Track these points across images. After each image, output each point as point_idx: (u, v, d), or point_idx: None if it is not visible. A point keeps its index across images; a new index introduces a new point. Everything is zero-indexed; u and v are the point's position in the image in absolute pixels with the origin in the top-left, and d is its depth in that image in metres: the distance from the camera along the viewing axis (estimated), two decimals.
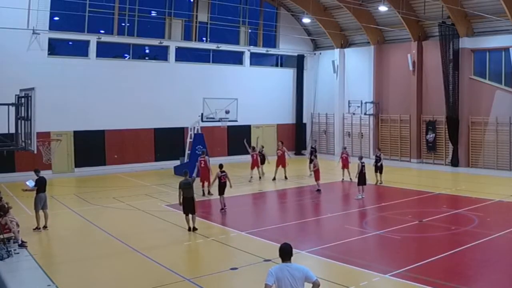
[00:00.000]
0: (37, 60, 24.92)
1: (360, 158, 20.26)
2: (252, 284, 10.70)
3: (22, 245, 12.67)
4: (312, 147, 26.86)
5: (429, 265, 11.13)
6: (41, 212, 14.61)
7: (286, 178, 24.04)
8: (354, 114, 32.69)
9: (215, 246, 13.16)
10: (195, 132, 25.71)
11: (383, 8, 26.81)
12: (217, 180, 17.55)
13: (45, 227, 14.65)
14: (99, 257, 12.39)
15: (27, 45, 24.92)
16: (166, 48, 30.18)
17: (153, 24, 29.97)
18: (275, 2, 34.04)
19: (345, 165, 23.45)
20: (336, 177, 24.29)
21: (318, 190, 20.41)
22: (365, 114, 31.99)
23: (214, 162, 27.13)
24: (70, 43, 27.55)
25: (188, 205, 14.43)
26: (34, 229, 14.38)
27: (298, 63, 35.80)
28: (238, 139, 32.53)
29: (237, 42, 33.16)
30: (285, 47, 35.12)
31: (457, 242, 12.95)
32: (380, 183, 21.95)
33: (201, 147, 25.01)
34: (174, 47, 30.28)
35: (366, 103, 31.75)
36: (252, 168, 24.33)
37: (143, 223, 16.04)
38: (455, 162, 27.63)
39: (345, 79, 34.29)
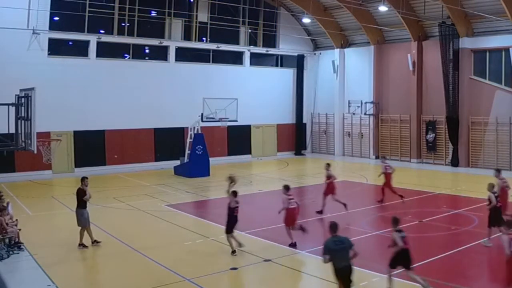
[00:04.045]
0: (37, 60, 24.93)
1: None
2: (252, 284, 10.71)
3: (18, 245, 12.63)
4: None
5: (429, 265, 11.13)
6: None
7: None
8: (354, 114, 32.71)
9: (215, 246, 13.16)
10: (195, 132, 25.72)
11: (383, 8, 26.82)
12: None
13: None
14: (99, 257, 12.40)
15: (27, 45, 24.93)
16: (166, 48, 30.18)
17: (153, 24, 29.97)
18: (275, 2, 34.04)
19: (332, 191, 16.98)
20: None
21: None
22: (365, 114, 32.00)
23: (214, 162, 27.28)
24: (70, 43, 27.57)
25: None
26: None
27: (298, 63, 35.80)
28: (238, 139, 32.71)
29: (237, 42, 33.17)
30: (285, 47, 35.12)
31: (457, 242, 12.96)
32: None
33: (201, 147, 25.06)
34: (174, 47, 30.29)
35: (366, 103, 31.77)
36: None
37: (143, 223, 16.04)
38: (455, 162, 27.64)
39: (345, 79, 34.30)
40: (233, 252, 12.17)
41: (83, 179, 13.33)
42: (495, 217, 12.39)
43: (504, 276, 8.96)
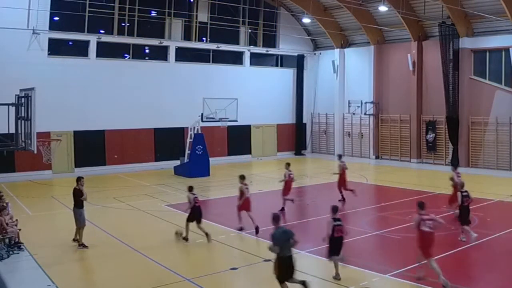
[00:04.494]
0: (37, 60, 24.93)
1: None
2: (252, 284, 10.70)
3: (18, 245, 12.63)
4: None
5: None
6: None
7: None
8: (354, 114, 32.71)
9: (215, 246, 13.16)
10: (195, 132, 25.72)
11: (383, 8, 26.82)
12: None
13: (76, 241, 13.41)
14: (99, 257, 12.39)
15: (27, 45, 24.92)
16: (166, 48, 30.18)
17: (153, 24, 29.97)
18: (275, 2, 34.03)
19: (289, 189, 17.85)
20: (335, 177, 24.21)
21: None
22: (365, 114, 32.00)
23: (214, 162, 27.28)
24: (70, 43, 27.57)
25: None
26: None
27: (298, 63, 35.79)
28: (238, 139, 32.72)
29: (237, 42, 33.16)
30: (285, 47, 35.12)
31: (457, 242, 12.95)
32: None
33: (201, 147, 25.09)
34: (174, 47, 30.28)
35: (366, 103, 31.77)
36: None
37: (143, 223, 16.03)
38: (455, 162, 27.57)
39: (345, 79, 34.29)
40: (186, 239, 13.33)
41: (79, 179, 13.42)
42: (465, 215, 13.11)
43: (417, 249, 10.13)
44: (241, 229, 14.37)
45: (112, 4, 27.91)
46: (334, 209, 10.70)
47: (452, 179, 15.68)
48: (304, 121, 36.42)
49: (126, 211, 17.59)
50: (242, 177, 14.81)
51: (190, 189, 13.85)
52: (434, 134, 29.09)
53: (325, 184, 23.17)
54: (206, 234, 13.20)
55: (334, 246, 10.45)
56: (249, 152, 33.64)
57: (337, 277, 10.44)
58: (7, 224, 12.76)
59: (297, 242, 9.40)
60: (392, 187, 22.10)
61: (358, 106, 31.80)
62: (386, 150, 31.94)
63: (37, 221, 16.11)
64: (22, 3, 23.92)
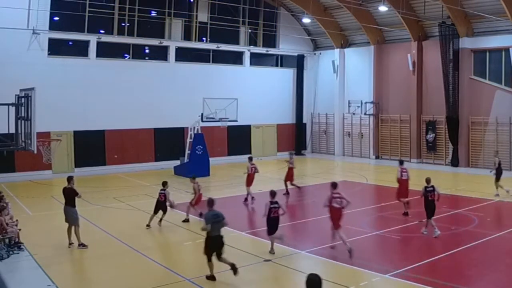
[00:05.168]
0: (37, 60, 24.93)
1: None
2: (252, 284, 10.70)
3: (18, 245, 12.63)
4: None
5: (428, 265, 11.14)
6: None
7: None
8: (354, 114, 32.72)
9: None
10: (195, 132, 25.72)
11: (383, 8, 26.83)
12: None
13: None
14: (99, 257, 12.39)
15: (27, 45, 24.93)
16: (166, 48, 30.18)
17: (153, 24, 29.97)
18: (275, 2, 34.04)
19: (251, 181, 19.32)
20: (335, 177, 24.23)
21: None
22: (365, 114, 32.02)
23: (214, 162, 27.28)
24: (70, 43, 27.56)
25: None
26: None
27: (298, 63, 35.80)
28: (238, 139, 32.72)
29: (237, 42, 33.16)
30: (285, 47, 35.12)
31: (457, 242, 12.95)
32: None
33: (201, 147, 25.10)
34: (174, 47, 30.29)
35: (366, 103, 31.78)
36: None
37: (143, 223, 16.00)
38: (455, 162, 27.64)
39: (345, 79, 34.30)
40: (147, 226, 14.94)
41: (71, 178, 13.41)
42: (430, 209, 13.44)
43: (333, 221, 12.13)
44: (186, 220, 15.75)
45: (112, 4, 27.92)
46: (272, 193, 12.21)
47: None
48: (304, 121, 36.43)
49: (126, 211, 17.59)
50: (193, 177, 16.39)
51: (163, 184, 15.28)
52: (434, 134, 29.10)
53: (325, 184, 23.17)
54: (148, 225, 14.95)
55: (271, 225, 11.97)
56: (249, 152, 33.53)
57: (271, 251, 12.04)
58: (7, 224, 12.76)
59: (226, 223, 10.55)
60: (392, 187, 21.98)
61: (358, 106, 31.82)
62: (386, 150, 31.95)
63: (37, 221, 16.10)
64: (22, 3, 23.92)
